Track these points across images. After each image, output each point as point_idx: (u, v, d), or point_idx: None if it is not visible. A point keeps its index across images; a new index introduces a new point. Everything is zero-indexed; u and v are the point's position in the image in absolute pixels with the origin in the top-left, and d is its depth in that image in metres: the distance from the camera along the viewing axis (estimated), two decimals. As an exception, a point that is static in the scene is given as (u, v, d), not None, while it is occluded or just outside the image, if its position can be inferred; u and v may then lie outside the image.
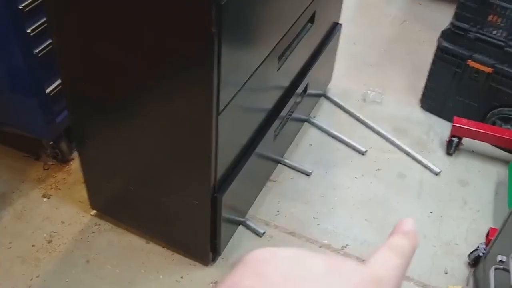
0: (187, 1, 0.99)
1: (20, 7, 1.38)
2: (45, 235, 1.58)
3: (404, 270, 0.35)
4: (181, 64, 1.10)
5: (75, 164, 1.78)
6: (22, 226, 1.59)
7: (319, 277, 0.31)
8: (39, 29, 1.45)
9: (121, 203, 1.54)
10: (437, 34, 1.93)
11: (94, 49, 1.18)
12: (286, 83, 1.64)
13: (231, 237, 1.58)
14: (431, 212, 1.73)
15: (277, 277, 0.31)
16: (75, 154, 1.80)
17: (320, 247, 1.60)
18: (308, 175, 1.81)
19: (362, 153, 1.90)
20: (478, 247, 1.55)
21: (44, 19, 1.44)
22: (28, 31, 1.42)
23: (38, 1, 1.40)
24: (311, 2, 1.55)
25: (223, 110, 1.17)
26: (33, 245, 1.55)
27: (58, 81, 1.59)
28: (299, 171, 1.82)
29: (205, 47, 1.02)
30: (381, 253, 0.35)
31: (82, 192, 1.68)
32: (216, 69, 1.06)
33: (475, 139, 1.89)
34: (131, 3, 1.06)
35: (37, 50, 1.47)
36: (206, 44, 1.02)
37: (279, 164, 1.83)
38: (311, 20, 1.63)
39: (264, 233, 1.61)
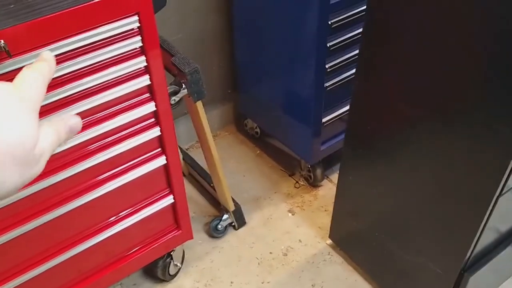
0: None
1: (327, 47, 1.53)
2: (282, 247, 1.71)
3: (44, 86, 0.44)
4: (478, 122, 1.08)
5: (323, 191, 1.89)
6: (266, 232, 1.76)
7: None
8: (336, 66, 1.59)
9: (360, 243, 1.58)
10: None
11: (391, 102, 1.24)
12: None
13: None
14: None
15: None
16: (324, 182, 1.93)
17: None
18: None
19: None
20: None
21: (341, 59, 1.59)
22: (326, 67, 1.57)
23: (343, 42, 1.54)
24: None
25: (507, 191, 1.12)
26: (270, 252, 1.70)
27: (334, 114, 1.72)
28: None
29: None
30: (22, 74, 0.43)
31: (323, 219, 1.79)
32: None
33: None
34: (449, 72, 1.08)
35: (328, 84, 1.62)
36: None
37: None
38: None
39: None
